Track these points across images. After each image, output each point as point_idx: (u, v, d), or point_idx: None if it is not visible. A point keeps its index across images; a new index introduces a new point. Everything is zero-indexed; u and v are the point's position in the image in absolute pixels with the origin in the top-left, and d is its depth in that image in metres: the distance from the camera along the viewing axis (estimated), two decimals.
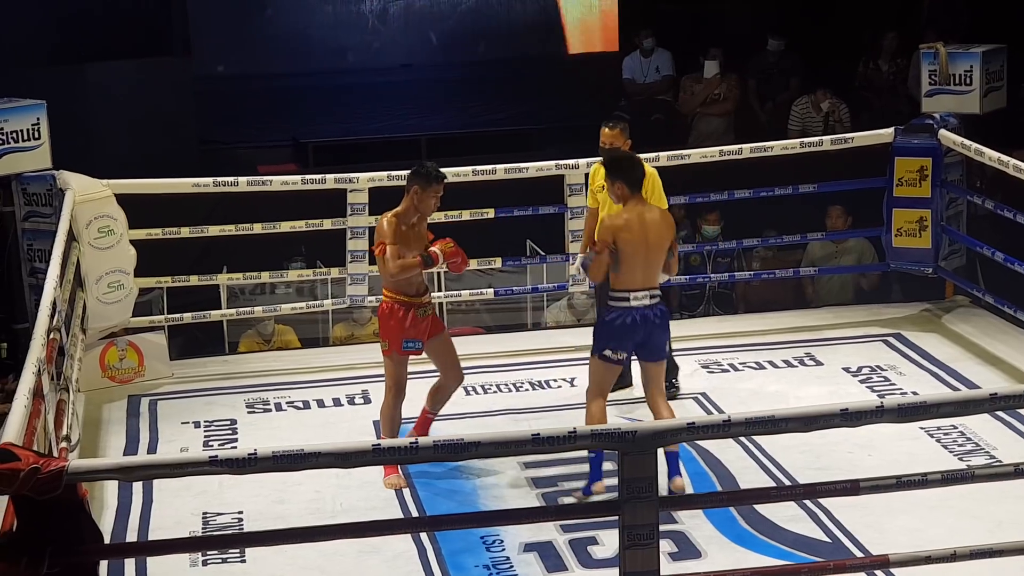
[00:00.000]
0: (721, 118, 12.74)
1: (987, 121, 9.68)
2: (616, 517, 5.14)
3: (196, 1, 12.56)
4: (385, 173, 9.17)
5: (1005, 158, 8.61)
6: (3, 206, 8.69)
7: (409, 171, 7.25)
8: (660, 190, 7.81)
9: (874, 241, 10.01)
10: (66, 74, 11.21)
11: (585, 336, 8.43)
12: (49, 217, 8.46)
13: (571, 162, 9.15)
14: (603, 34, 13.70)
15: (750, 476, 7.17)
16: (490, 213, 9.23)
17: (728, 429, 5.35)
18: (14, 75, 10.53)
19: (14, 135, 8.49)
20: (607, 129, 7.86)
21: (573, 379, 8.32)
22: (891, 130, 9.42)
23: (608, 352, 6.94)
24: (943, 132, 9.21)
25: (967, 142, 9.01)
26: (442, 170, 7.26)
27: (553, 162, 9.32)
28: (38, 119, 8.58)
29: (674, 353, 8.42)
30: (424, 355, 7.32)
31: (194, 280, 9.29)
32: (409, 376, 7.28)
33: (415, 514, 6.90)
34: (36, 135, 8.57)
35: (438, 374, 7.39)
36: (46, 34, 11.29)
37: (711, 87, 12.72)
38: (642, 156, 9.14)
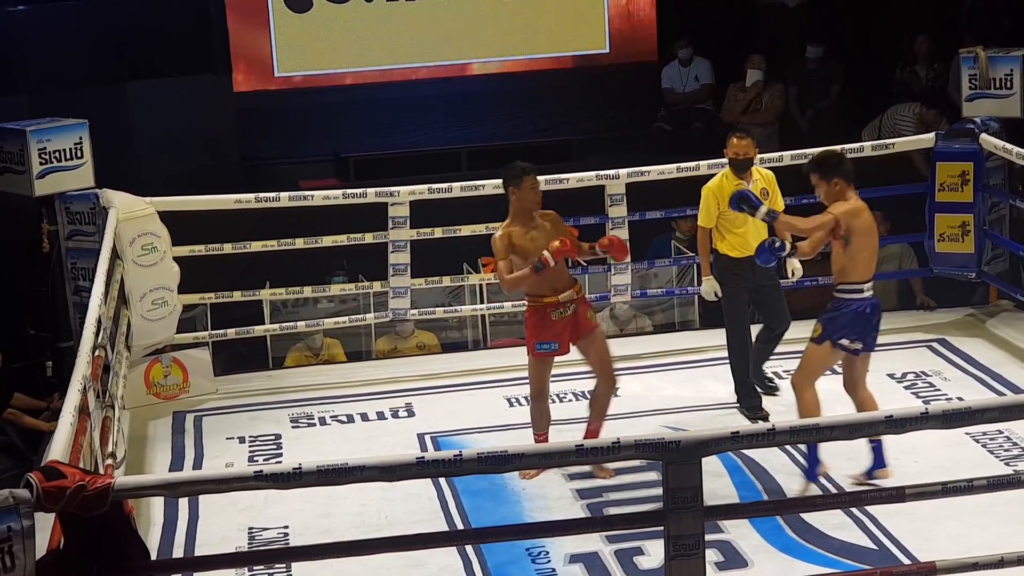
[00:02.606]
0: (763, 127, 12.70)
1: None
2: (661, 527, 5.14)
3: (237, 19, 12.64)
4: (426, 186, 9.21)
5: None
6: (48, 225, 8.76)
7: (501, 180, 7.37)
8: (777, 189, 8.01)
9: (915, 247, 9.94)
10: (108, 93, 11.28)
11: (627, 346, 8.48)
12: (93, 235, 8.53)
13: (611, 172, 9.15)
14: (642, 44, 13.69)
15: (796, 485, 7.15)
16: None
17: (773, 438, 5.33)
18: (57, 95, 10.62)
19: (57, 154, 8.57)
20: (736, 139, 7.93)
21: (616, 389, 8.31)
22: (932, 135, 9.38)
23: (845, 341, 6.97)
24: (984, 136, 9.16)
25: (1009, 146, 8.96)
26: (527, 163, 7.35)
27: (594, 173, 9.32)
28: (80, 138, 8.65)
29: (714, 362, 8.44)
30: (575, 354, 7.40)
31: (237, 296, 9.34)
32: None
33: (460, 527, 6.91)
34: (79, 154, 8.64)
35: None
36: (88, 53, 11.36)
37: (752, 95, 12.68)
38: (688, 164, 9.17)
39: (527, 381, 7.95)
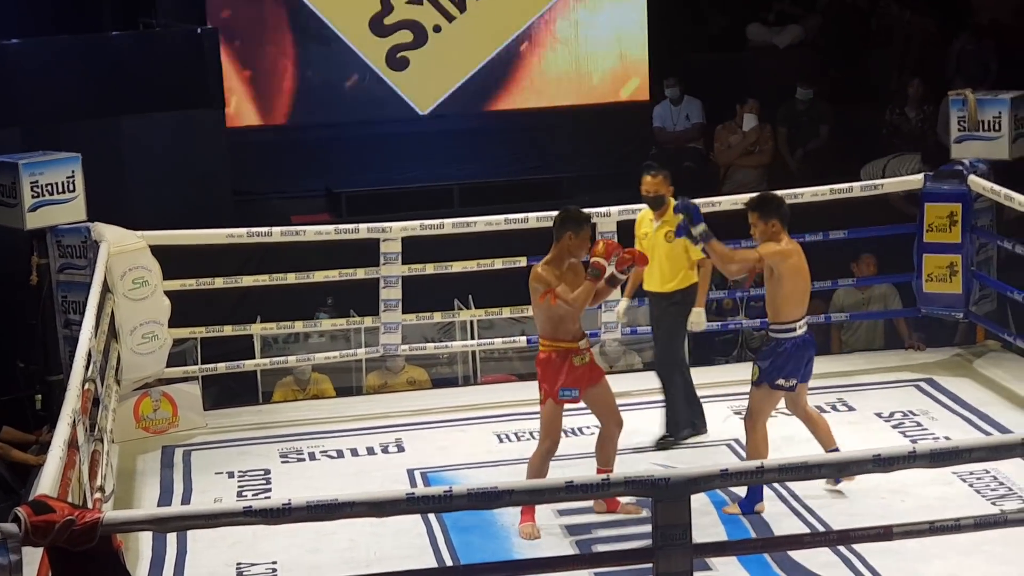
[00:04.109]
0: (757, 169, 12.78)
1: (1016, 167, 9.68)
2: (650, 564, 5.15)
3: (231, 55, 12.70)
4: (418, 223, 9.23)
5: None
6: (39, 258, 8.77)
7: (558, 218, 7.24)
8: None
9: (903, 287, 9.98)
10: (102, 127, 11.31)
11: (617, 382, 8.44)
12: (84, 269, 8.54)
13: (602, 210, 9.18)
14: (634, 83, 13.77)
15: (784, 522, 7.16)
16: (522, 261, 9.26)
17: (762, 475, 5.36)
18: (51, 128, 10.65)
19: (49, 188, 8.58)
20: (649, 177, 7.94)
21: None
22: (921, 176, 9.44)
23: (781, 381, 7.21)
24: (972, 178, 9.22)
25: (997, 187, 9.02)
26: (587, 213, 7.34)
27: (585, 210, 9.34)
28: (73, 172, 8.67)
29: (704, 400, 8.46)
30: (581, 403, 7.32)
31: (228, 330, 9.35)
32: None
33: (449, 563, 6.91)
34: (71, 188, 8.66)
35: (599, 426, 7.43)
36: (82, 87, 11.39)
37: (749, 140, 12.74)
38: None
39: (518, 417, 7.99)
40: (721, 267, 7.32)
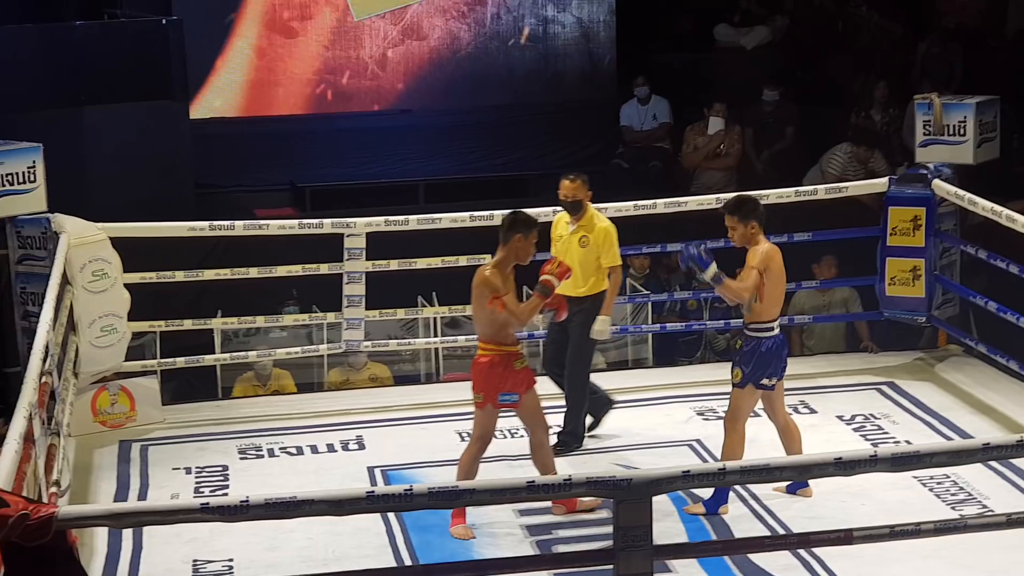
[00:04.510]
0: (723, 171, 12.79)
1: (980, 172, 9.71)
2: (611, 565, 5.12)
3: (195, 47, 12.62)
4: (383, 218, 9.19)
5: (998, 208, 8.64)
6: None
7: (507, 220, 7.22)
8: (615, 247, 7.98)
9: (865, 290, 10.00)
10: (64, 117, 11.22)
11: None
12: (43, 260, 8.46)
13: (597, 211, 9.14)
14: (601, 82, 13.77)
15: (744, 525, 7.16)
16: (487, 259, 9.21)
17: (723, 477, 5.35)
18: (11, 118, 10.55)
19: (9, 178, 8.50)
20: (567, 181, 7.96)
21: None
22: (885, 180, 9.45)
23: (765, 380, 7.27)
24: (937, 182, 9.24)
25: (961, 192, 9.04)
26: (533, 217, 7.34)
27: (551, 208, 9.33)
28: (34, 162, 8.59)
29: (667, 400, 8.46)
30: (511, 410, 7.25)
31: (188, 324, 9.28)
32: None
33: (408, 562, 6.87)
34: (32, 178, 8.58)
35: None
36: (44, 77, 11.30)
37: (715, 143, 12.74)
38: (645, 202, 9.25)
39: None
40: (738, 301, 7.28)
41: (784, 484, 7.40)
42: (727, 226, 7.28)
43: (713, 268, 7.16)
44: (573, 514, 7.29)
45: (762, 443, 7.80)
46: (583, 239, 7.93)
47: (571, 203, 7.97)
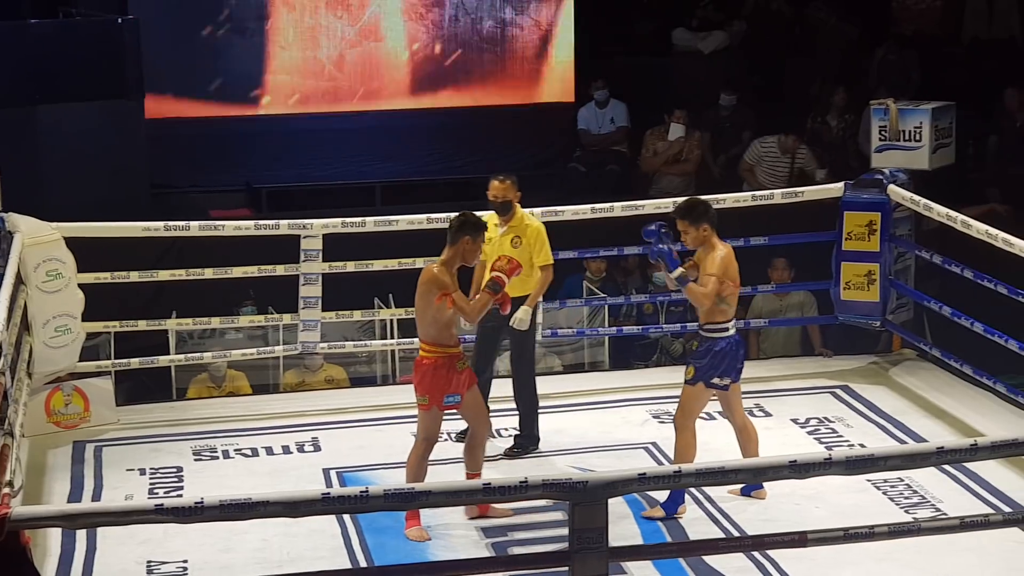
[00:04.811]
0: (682, 177, 12.83)
1: (935, 177, 9.77)
2: (566, 567, 5.13)
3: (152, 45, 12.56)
4: (339, 220, 9.17)
5: (953, 214, 8.70)
6: None
7: (456, 222, 7.23)
8: (547, 246, 8.03)
9: (821, 294, 10.05)
10: (18, 116, 11.15)
11: (538, 385, 8.45)
12: None
13: (526, 211, 9.13)
14: (559, 85, 13.78)
15: (699, 527, 7.17)
16: None
17: (679, 480, 5.36)
18: None
19: None
20: (497, 182, 8.00)
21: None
22: (841, 184, 9.50)
23: (716, 380, 7.29)
24: (892, 187, 9.29)
25: (916, 197, 9.10)
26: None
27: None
28: None
29: (623, 403, 8.46)
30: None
31: (142, 325, 9.24)
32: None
33: (363, 564, 6.85)
34: None
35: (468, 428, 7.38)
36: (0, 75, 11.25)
37: (675, 149, 12.77)
38: (602, 205, 9.27)
39: None
40: (700, 305, 7.31)
41: (739, 486, 7.43)
42: (679, 230, 7.32)
43: (681, 270, 7.21)
44: (484, 518, 7.25)
45: (716, 447, 7.83)
46: (515, 240, 7.97)
47: (501, 204, 7.99)
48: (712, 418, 8.53)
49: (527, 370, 8.17)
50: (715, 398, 7.48)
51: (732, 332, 7.32)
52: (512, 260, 7.31)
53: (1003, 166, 11.99)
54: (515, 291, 7.70)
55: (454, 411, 7.25)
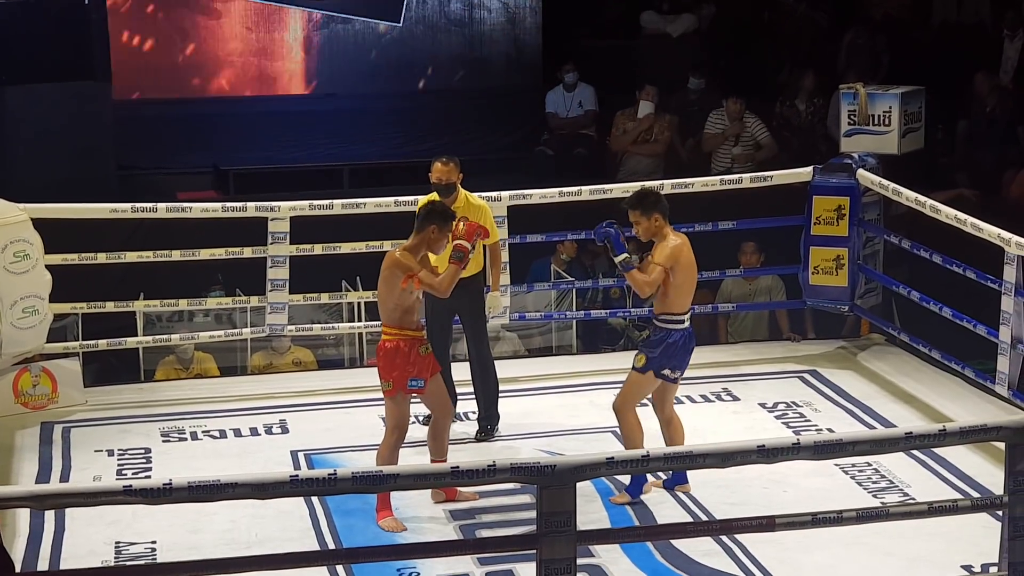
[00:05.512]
0: (652, 158, 12.82)
1: (904, 162, 9.80)
2: (534, 551, 5.13)
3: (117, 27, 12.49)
4: (307, 202, 9.15)
5: (922, 198, 8.73)
6: None
7: (424, 210, 7.21)
8: (493, 223, 8.06)
9: (789, 279, 10.07)
10: None
11: (504, 368, 8.46)
12: None
13: (493, 194, 9.15)
14: (527, 68, 13.77)
15: (667, 511, 7.19)
16: None
17: (647, 464, 5.37)
18: None
19: None
20: (440, 164, 7.97)
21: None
22: (810, 169, 9.52)
23: (667, 371, 7.22)
24: (861, 172, 9.31)
25: (885, 182, 9.12)
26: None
27: (477, 194, 9.31)
28: None
29: (591, 387, 8.47)
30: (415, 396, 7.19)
31: (110, 306, 9.20)
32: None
33: (331, 546, 6.85)
34: None
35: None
36: None
37: (645, 126, 12.76)
38: (570, 189, 9.27)
39: None
40: (640, 293, 7.32)
41: (661, 480, 7.40)
42: (631, 221, 7.26)
43: (625, 255, 7.17)
44: (452, 502, 7.24)
45: (703, 429, 7.84)
46: (462, 220, 7.90)
47: (444, 186, 7.95)
48: (679, 402, 8.57)
49: (483, 348, 8.16)
50: None
51: (687, 325, 7.24)
52: (470, 222, 7.23)
53: (972, 151, 12.03)
54: (464, 273, 7.48)
55: (418, 396, 7.22)
